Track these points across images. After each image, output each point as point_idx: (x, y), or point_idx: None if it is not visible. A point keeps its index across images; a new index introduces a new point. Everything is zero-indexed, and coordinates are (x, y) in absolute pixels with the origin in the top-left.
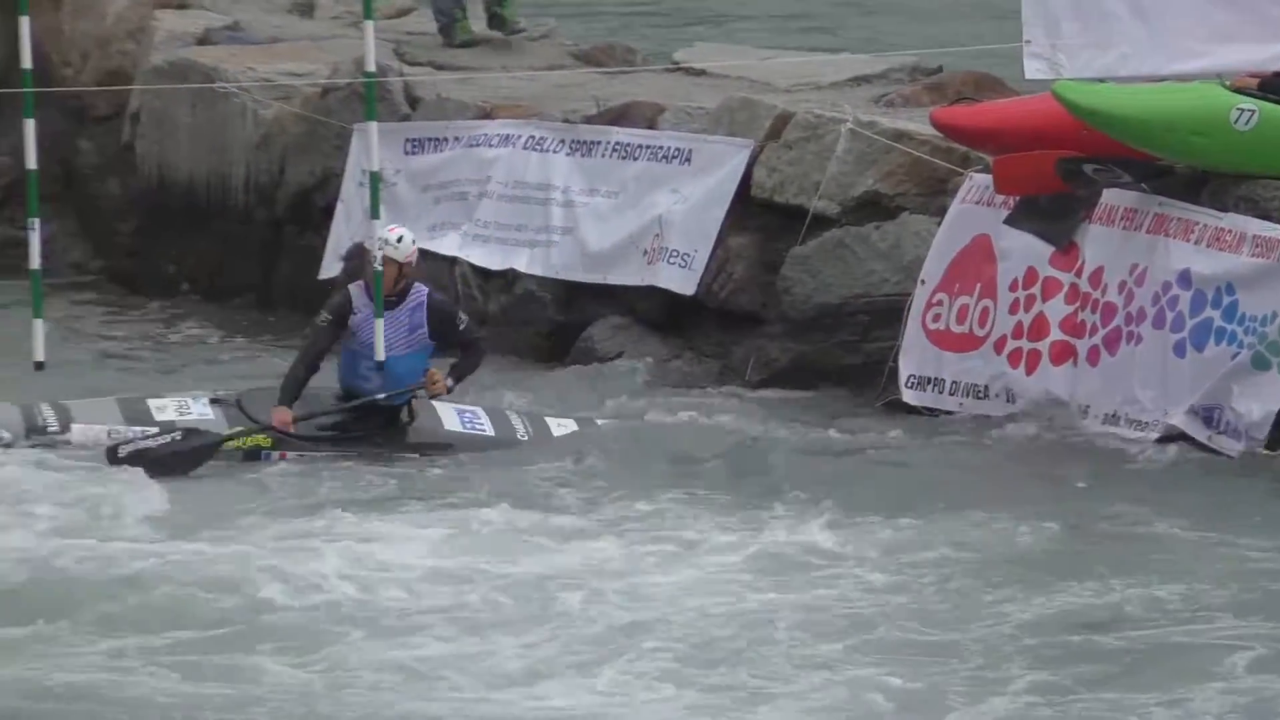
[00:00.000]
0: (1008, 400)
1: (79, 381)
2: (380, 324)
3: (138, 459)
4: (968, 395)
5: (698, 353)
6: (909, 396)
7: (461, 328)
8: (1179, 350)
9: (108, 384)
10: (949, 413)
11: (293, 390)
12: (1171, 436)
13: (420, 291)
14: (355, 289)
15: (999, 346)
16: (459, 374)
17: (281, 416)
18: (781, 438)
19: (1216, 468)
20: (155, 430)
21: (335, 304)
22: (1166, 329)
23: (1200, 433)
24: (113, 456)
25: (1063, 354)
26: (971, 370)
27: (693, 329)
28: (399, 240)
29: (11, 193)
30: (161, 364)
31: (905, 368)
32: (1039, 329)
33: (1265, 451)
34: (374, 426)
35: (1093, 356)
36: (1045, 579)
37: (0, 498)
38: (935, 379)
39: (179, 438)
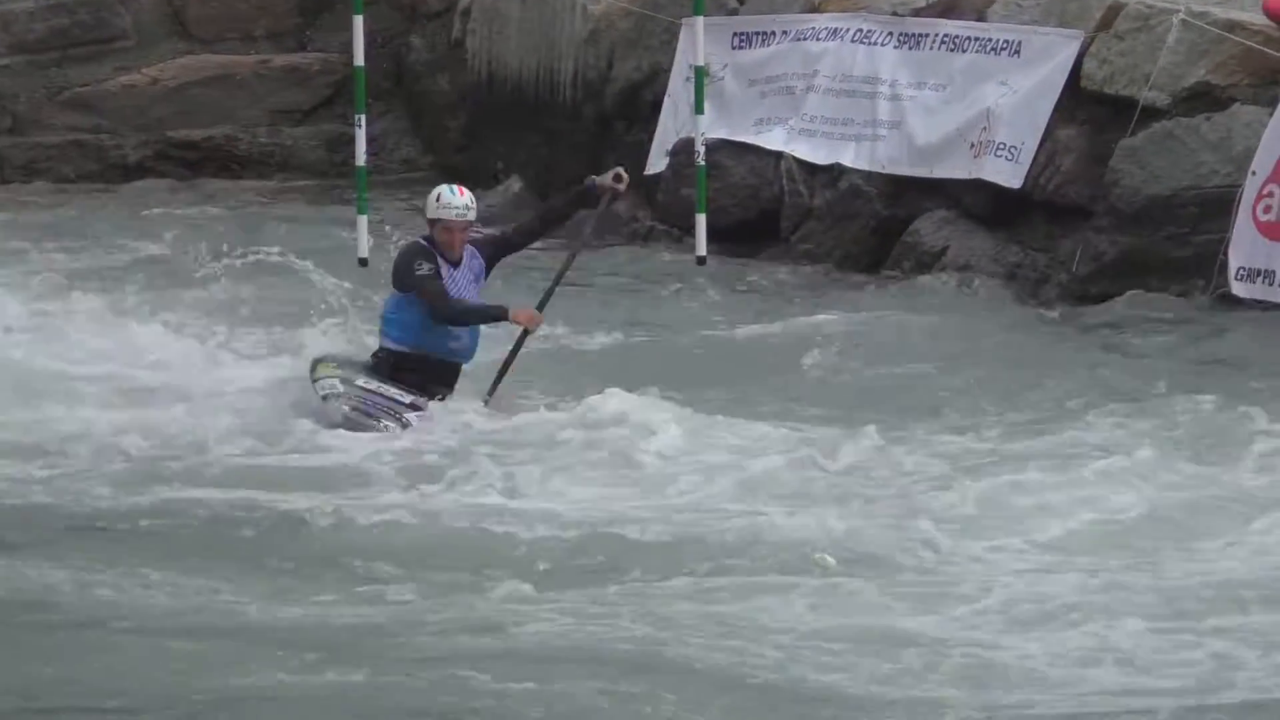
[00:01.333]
0: None
1: None
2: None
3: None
4: None
5: (1024, 246)
6: (1238, 289)
7: (499, 233)
8: None
9: None
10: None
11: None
12: None
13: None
14: (421, 242)
15: None
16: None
17: (527, 314)
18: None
19: None
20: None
21: (420, 254)
22: None
23: None
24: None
25: None
26: None
27: (1019, 223)
28: (468, 206)
29: (341, 90)
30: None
31: (1235, 260)
32: None
33: None
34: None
35: None
36: None
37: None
38: (1265, 271)
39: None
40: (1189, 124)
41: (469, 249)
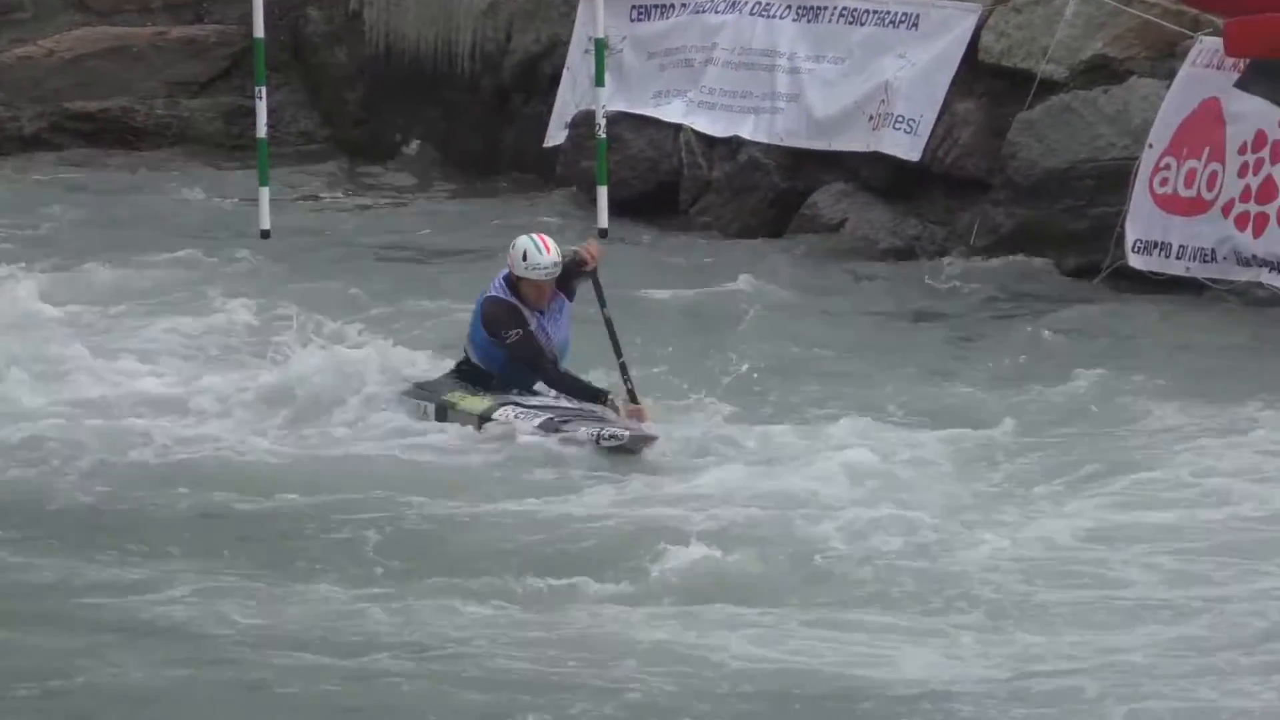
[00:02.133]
0: (1236, 263)
1: (302, 250)
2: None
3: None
4: (1195, 259)
5: (923, 219)
6: (1135, 261)
7: (568, 260)
8: None
9: (333, 254)
10: (1176, 277)
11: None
12: None
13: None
14: (510, 300)
15: (1226, 210)
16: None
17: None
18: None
19: None
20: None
21: (510, 319)
22: None
23: None
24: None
25: None
26: (1199, 234)
27: (918, 195)
28: (556, 264)
29: (239, 62)
30: (391, 227)
31: (1132, 232)
32: (1268, 192)
33: None
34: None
35: None
36: None
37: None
38: (1162, 243)
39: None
40: (1086, 97)
41: (558, 297)
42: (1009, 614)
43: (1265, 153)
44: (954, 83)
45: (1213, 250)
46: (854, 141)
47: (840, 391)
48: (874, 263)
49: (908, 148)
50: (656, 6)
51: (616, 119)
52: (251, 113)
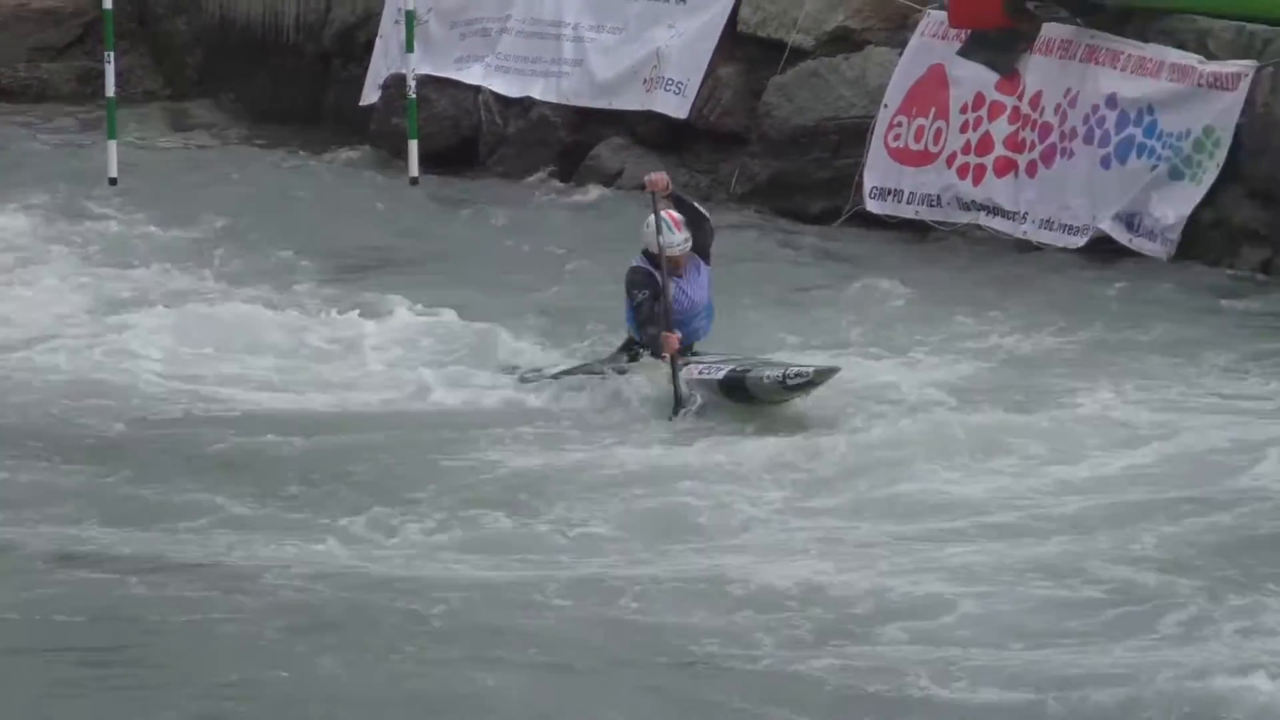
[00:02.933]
0: (958, 208)
1: (150, 194)
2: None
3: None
4: (922, 204)
5: (690, 169)
6: (872, 205)
7: (707, 217)
8: (1105, 163)
9: (180, 194)
10: (907, 220)
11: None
12: (1098, 238)
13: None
14: (647, 267)
15: (950, 161)
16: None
17: (670, 341)
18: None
19: (1134, 275)
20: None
21: (643, 282)
22: (1095, 145)
23: (1123, 236)
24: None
25: (1005, 167)
26: (926, 182)
27: (686, 148)
28: (687, 239)
29: (90, 29)
30: (223, 176)
31: (869, 180)
32: (985, 146)
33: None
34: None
35: (1031, 169)
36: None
37: None
38: (895, 190)
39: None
40: (830, 63)
41: (696, 262)
42: None
43: (983, 112)
44: (716, 50)
45: (938, 196)
46: (630, 101)
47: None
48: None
49: (676, 107)
50: None
51: (424, 81)
52: (102, 74)
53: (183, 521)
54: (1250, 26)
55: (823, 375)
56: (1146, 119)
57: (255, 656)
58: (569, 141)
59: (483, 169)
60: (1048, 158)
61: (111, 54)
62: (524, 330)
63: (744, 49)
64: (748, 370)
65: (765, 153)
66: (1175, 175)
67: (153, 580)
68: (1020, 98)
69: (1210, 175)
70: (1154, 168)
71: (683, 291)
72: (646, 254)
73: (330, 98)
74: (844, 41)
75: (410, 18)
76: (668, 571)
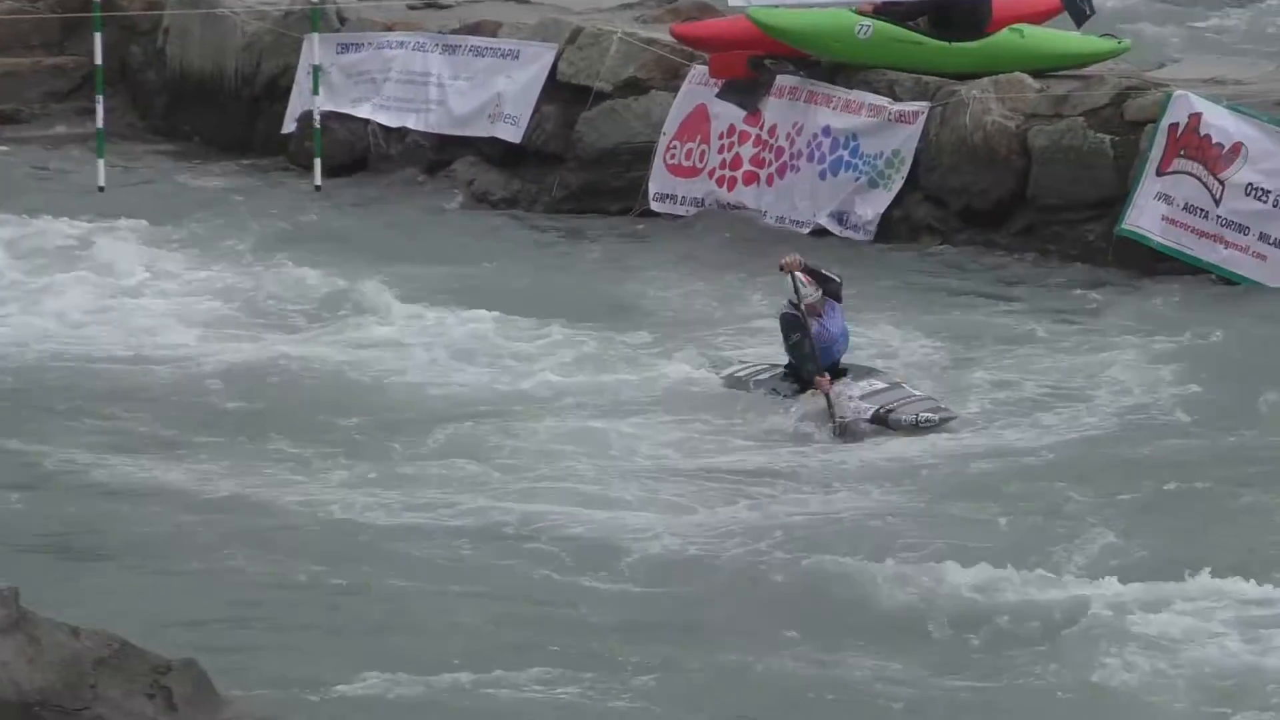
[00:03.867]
0: (717, 207)
1: (127, 200)
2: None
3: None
4: (691, 205)
5: (523, 180)
6: (655, 206)
7: (838, 281)
8: (823, 176)
9: (151, 200)
10: (679, 215)
11: (815, 365)
12: (817, 230)
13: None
14: (794, 313)
15: (711, 174)
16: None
17: (823, 384)
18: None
19: (850, 250)
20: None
21: (792, 327)
22: (815, 163)
23: (835, 228)
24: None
25: (750, 179)
26: (694, 189)
27: (519, 165)
28: (817, 288)
29: (85, 80)
30: (182, 186)
31: (653, 188)
32: (736, 163)
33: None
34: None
35: (769, 180)
36: None
37: None
38: (671, 195)
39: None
40: (624, 103)
41: (820, 295)
42: None
43: (735, 138)
44: (542, 93)
45: (703, 199)
46: (479, 130)
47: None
48: (492, 210)
49: (513, 134)
50: (353, 44)
51: (327, 115)
52: (93, 111)
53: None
54: (925, 77)
55: (946, 419)
56: (852, 144)
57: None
58: (434, 160)
59: (370, 179)
60: (781, 171)
61: (101, 97)
62: (391, 281)
63: (562, 92)
64: (890, 411)
65: (578, 168)
66: (873, 184)
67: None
68: (761, 128)
69: (898, 184)
70: (857, 179)
71: (824, 327)
72: (792, 303)
73: (260, 128)
74: (634, 87)
75: (317, 70)
76: None
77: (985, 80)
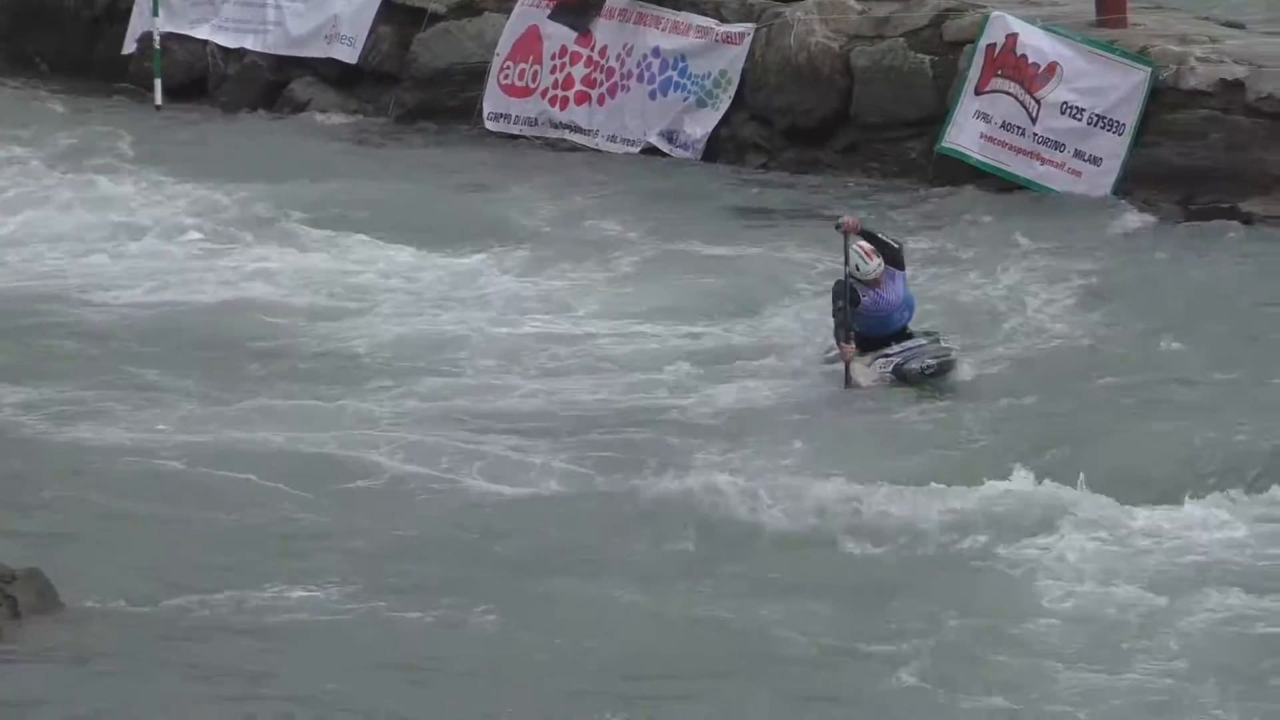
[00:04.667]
0: (550, 127)
1: None
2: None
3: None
4: (525, 124)
5: (360, 99)
6: (489, 125)
7: (897, 246)
8: (653, 96)
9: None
10: (515, 135)
11: (844, 334)
12: (647, 149)
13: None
14: (843, 282)
15: (543, 94)
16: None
17: (845, 350)
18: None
19: (674, 165)
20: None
21: (837, 296)
22: (645, 83)
23: (665, 146)
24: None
25: (582, 98)
26: (527, 108)
27: (357, 84)
28: (880, 265)
29: None
30: (32, 108)
31: (487, 107)
32: (568, 83)
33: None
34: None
35: (600, 100)
36: None
37: None
38: (505, 114)
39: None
40: (458, 24)
41: (881, 267)
42: None
43: (566, 59)
44: (377, 14)
45: (535, 118)
46: (316, 51)
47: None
48: (329, 130)
49: (349, 55)
50: None
51: (167, 37)
52: None
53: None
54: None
55: (944, 364)
56: (680, 64)
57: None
58: (272, 80)
59: (210, 98)
60: (612, 91)
61: None
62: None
63: (397, 13)
64: (902, 364)
65: (414, 88)
66: (701, 104)
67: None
68: (592, 49)
69: (725, 104)
70: (686, 99)
71: (880, 297)
72: (857, 280)
73: (101, 49)
74: (468, 8)
75: None
76: None
77: (809, 2)
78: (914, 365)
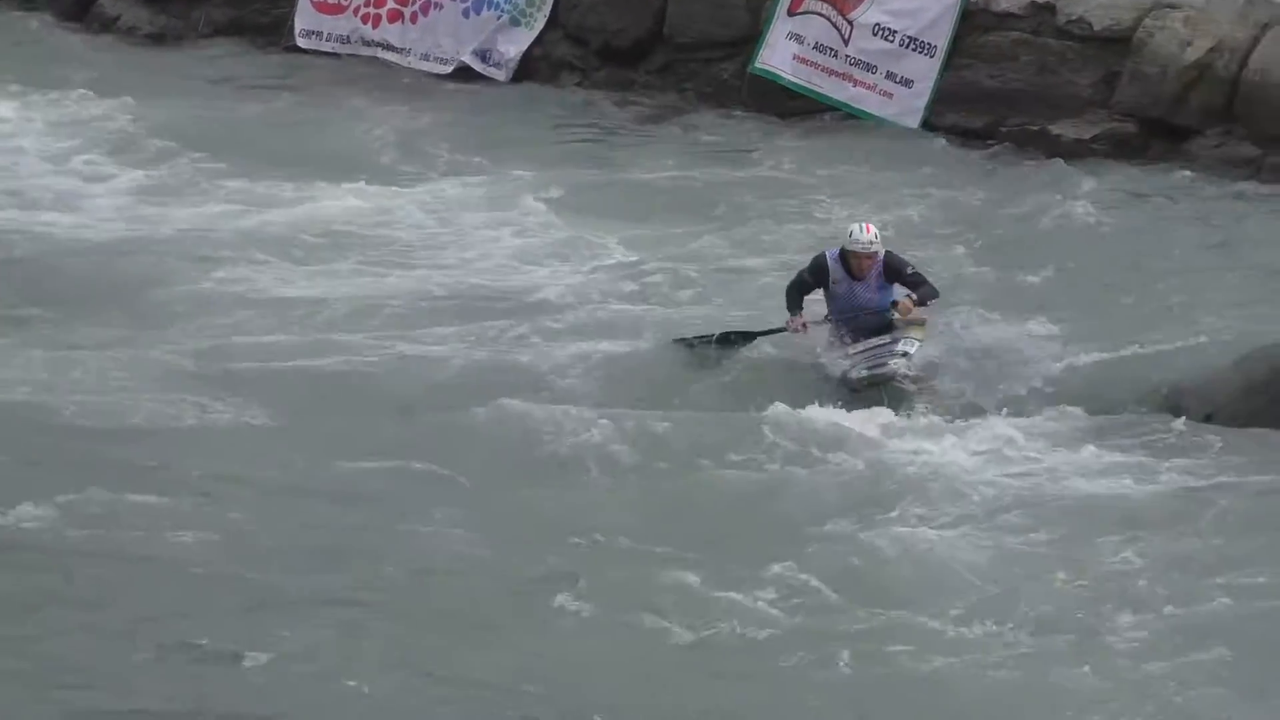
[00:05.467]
0: (362, 44)
1: None
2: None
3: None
4: (338, 42)
5: (168, 15)
6: (301, 43)
7: (909, 272)
8: (466, 14)
9: None
10: (328, 52)
11: (794, 303)
12: (460, 69)
13: (879, 260)
14: (833, 262)
15: (356, 11)
16: (921, 300)
17: (794, 322)
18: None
19: (487, 90)
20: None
21: (812, 268)
22: (458, 0)
23: (479, 65)
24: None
25: (395, 16)
26: (339, 25)
27: (166, 1)
28: (877, 236)
29: None
30: None
31: (299, 25)
32: (380, 0)
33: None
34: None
35: (414, 18)
36: None
37: None
38: (317, 31)
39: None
40: None
41: (879, 267)
42: None
43: None
44: None
45: (348, 36)
46: None
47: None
48: (140, 45)
49: None
50: None
51: None
52: None
53: None
54: None
55: (879, 374)
56: None
57: None
58: None
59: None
60: (425, 9)
61: None
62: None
63: None
64: (849, 369)
65: (224, 3)
66: (515, 22)
67: None
68: None
69: (540, 23)
70: (500, 17)
71: (853, 292)
72: (840, 250)
73: None
74: None
75: None
76: None
77: None
78: (853, 374)
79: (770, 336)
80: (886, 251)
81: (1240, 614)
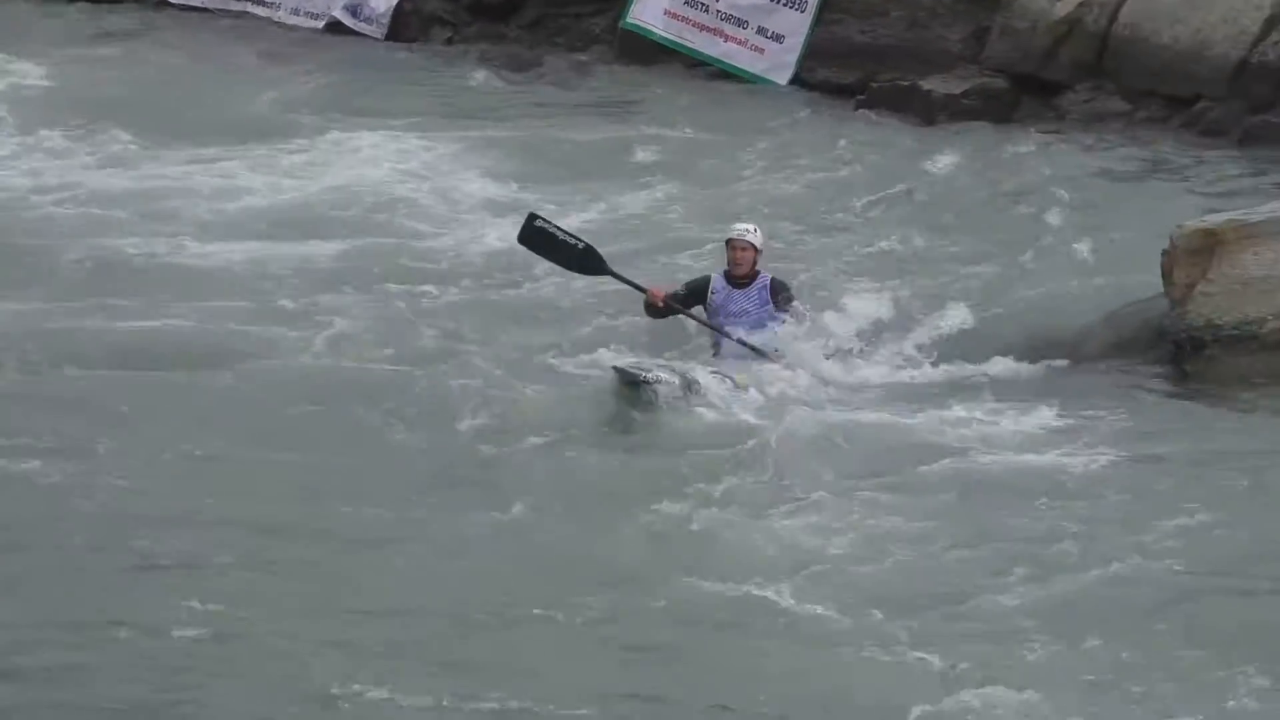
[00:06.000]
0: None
1: None
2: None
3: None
4: None
5: None
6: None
7: (787, 298)
8: None
9: None
10: (197, 7)
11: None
12: (332, 24)
13: (765, 277)
14: (718, 277)
15: None
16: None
17: (655, 291)
18: None
19: (361, 47)
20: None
21: (695, 284)
22: None
23: (350, 21)
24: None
25: None
26: None
27: None
28: (755, 230)
29: None
30: None
31: None
32: None
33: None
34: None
35: None
36: None
37: None
38: None
39: (580, 244)
40: None
41: (765, 284)
42: None
43: None
44: None
45: None
46: None
47: None
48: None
49: None
50: None
51: None
52: None
53: None
54: None
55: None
56: None
57: None
58: None
59: None
60: None
61: None
62: None
63: None
64: (686, 372)
65: None
66: None
67: None
68: None
69: None
70: None
71: (731, 298)
72: (728, 274)
73: None
74: None
75: None
76: None
77: None
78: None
79: (623, 286)
80: (772, 277)
81: (1126, 574)
